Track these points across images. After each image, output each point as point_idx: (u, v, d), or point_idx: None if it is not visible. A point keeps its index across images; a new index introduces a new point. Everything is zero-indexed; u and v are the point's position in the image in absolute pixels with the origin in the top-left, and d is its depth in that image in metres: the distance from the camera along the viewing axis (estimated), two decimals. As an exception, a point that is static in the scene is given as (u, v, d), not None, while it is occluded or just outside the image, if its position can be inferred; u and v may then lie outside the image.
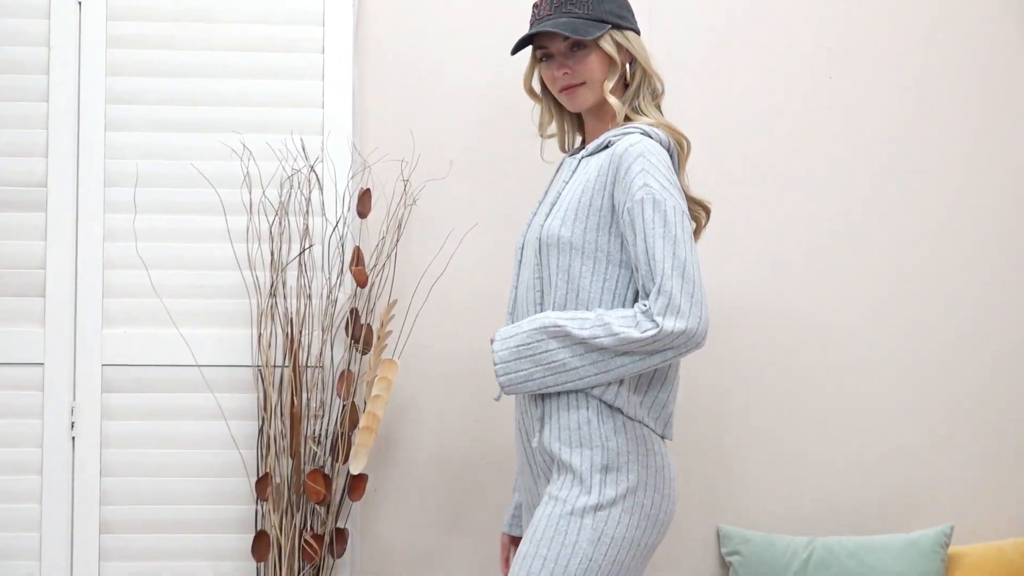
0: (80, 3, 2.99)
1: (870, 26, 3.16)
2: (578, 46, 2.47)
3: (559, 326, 2.31)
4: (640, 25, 2.56)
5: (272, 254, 2.97)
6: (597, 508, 2.29)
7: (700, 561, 3.09)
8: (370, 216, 3.01)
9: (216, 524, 2.99)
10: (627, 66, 2.52)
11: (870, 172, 3.15)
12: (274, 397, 2.93)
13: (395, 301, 2.96)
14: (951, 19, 3.17)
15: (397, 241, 3.00)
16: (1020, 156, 3.16)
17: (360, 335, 2.95)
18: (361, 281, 2.94)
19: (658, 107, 2.53)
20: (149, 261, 2.99)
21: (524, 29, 2.65)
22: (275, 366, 2.95)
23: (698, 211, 2.53)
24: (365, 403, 2.91)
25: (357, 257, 2.96)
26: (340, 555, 2.93)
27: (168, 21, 3.03)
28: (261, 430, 2.94)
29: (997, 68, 3.17)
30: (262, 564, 2.92)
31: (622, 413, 2.35)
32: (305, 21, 3.04)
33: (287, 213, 2.99)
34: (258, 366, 2.96)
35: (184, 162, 3.01)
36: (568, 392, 2.35)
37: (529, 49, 2.55)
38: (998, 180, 3.16)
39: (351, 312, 2.96)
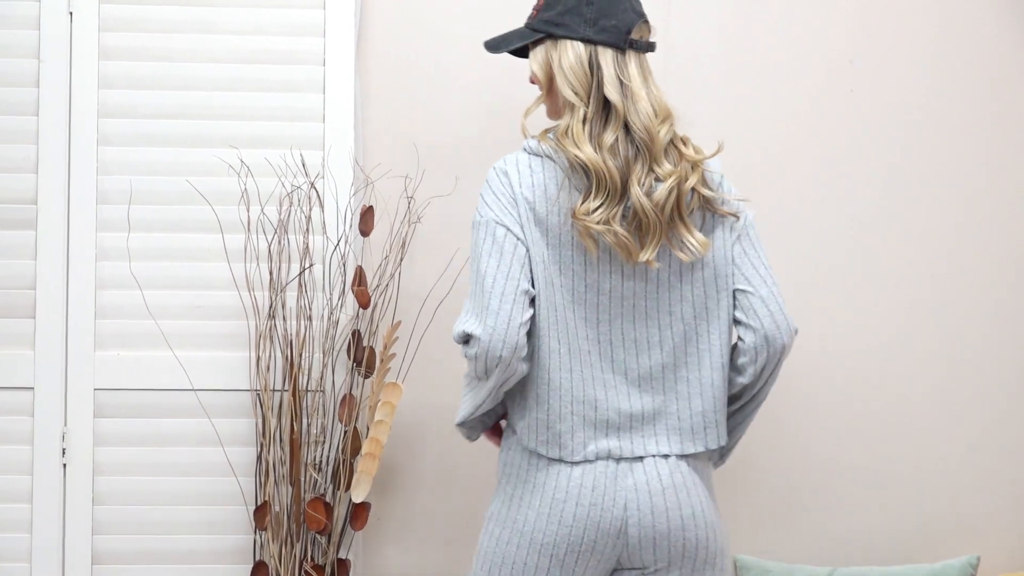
0: (71, 14, 2.97)
1: (886, 36, 3.16)
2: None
3: None
4: (656, 42, 2.50)
5: (271, 274, 2.95)
6: (486, 520, 2.46)
7: None
8: (373, 234, 2.99)
9: (213, 554, 2.98)
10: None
11: (892, 182, 3.15)
12: (273, 422, 2.91)
13: (399, 323, 2.95)
14: (967, 27, 3.16)
15: (401, 260, 2.99)
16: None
17: (362, 358, 2.93)
18: (363, 302, 2.92)
19: (592, 127, 2.37)
20: (143, 281, 2.97)
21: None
22: (274, 390, 2.94)
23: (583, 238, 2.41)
24: (368, 429, 2.90)
25: (359, 277, 2.93)
26: None
27: (162, 32, 3.01)
28: (259, 457, 2.93)
29: (1012, 77, 3.18)
30: None
31: (514, 432, 2.45)
32: (305, 32, 3.02)
33: (286, 231, 2.98)
34: (256, 390, 2.95)
35: (180, 178, 2.99)
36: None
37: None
38: (1020, 189, 3.17)
39: (353, 334, 2.94)
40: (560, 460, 2.37)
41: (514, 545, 2.37)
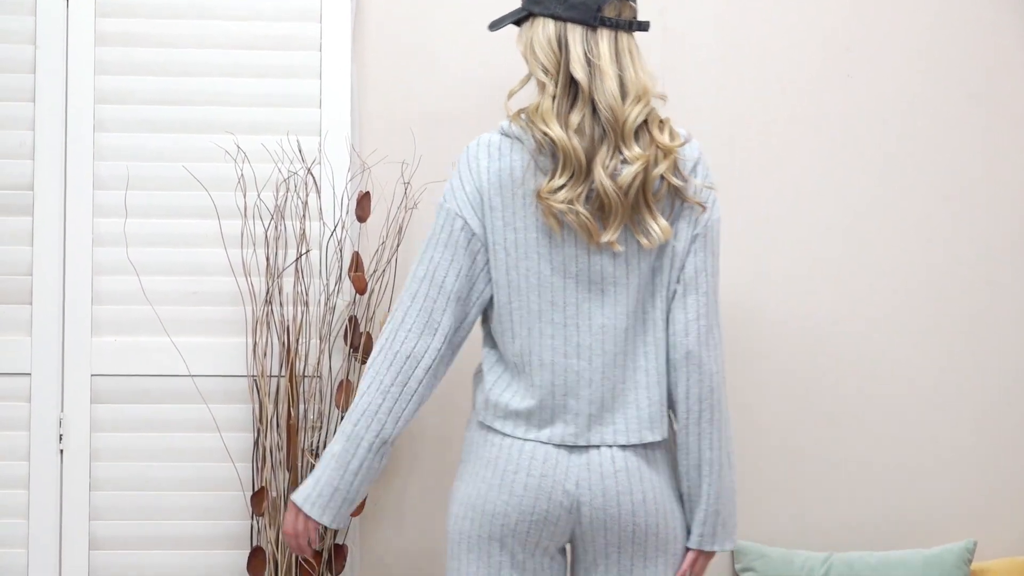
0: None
1: (883, 23, 3.16)
2: None
3: None
4: (652, 23, 2.49)
5: (268, 260, 2.95)
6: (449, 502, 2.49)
7: None
8: (369, 220, 2.99)
9: (210, 540, 2.98)
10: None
11: (888, 170, 3.15)
12: (270, 408, 2.91)
13: None
14: (964, 14, 3.17)
15: (398, 246, 2.98)
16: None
17: (359, 344, 2.93)
18: (360, 288, 2.92)
19: (560, 106, 2.36)
20: (140, 267, 2.97)
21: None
22: (271, 376, 2.94)
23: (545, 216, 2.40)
24: None
25: (356, 263, 2.93)
26: (339, 572, 2.92)
27: (159, 18, 3.00)
28: (256, 442, 2.93)
29: (1009, 64, 3.18)
30: None
31: (473, 408, 2.49)
32: (302, 17, 3.02)
33: (283, 217, 2.97)
34: (253, 376, 2.95)
35: (176, 164, 2.99)
36: None
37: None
38: (1016, 175, 3.17)
39: (350, 320, 2.94)
40: (512, 436, 2.39)
41: (468, 520, 2.40)
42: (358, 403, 2.40)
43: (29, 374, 2.95)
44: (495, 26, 2.52)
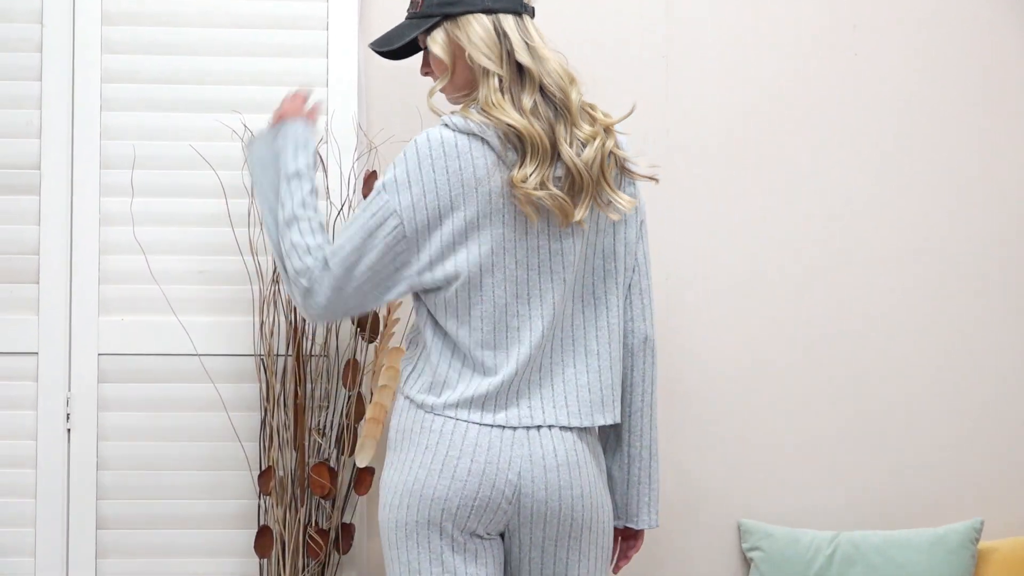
0: (75, -23, 2.98)
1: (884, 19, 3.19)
2: (424, 46, 2.50)
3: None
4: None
5: None
6: (380, 493, 2.47)
7: (720, 556, 3.11)
8: None
9: (217, 519, 2.99)
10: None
11: (892, 154, 3.18)
12: (277, 387, 2.92)
13: None
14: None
15: None
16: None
17: (366, 323, 2.93)
18: None
19: (512, 94, 2.39)
20: (147, 246, 2.98)
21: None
22: (278, 355, 2.94)
23: (522, 204, 2.42)
24: (371, 393, 2.91)
25: None
26: (346, 551, 2.94)
27: None
28: (264, 422, 2.94)
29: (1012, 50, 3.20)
30: (265, 561, 2.92)
31: (404, 396, 2.47)
32: None
33: None
34: (260, 355, 2.95)
35: (183, 143, 2.99)
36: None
37: None
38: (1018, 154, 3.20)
39: None
40: (456, 419, 2.39)
41: (404, 507, 2.38)
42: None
43: (36, 353, 2.95)
44: (389, 46, 2.53)
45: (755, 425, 3.12)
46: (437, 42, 2.44)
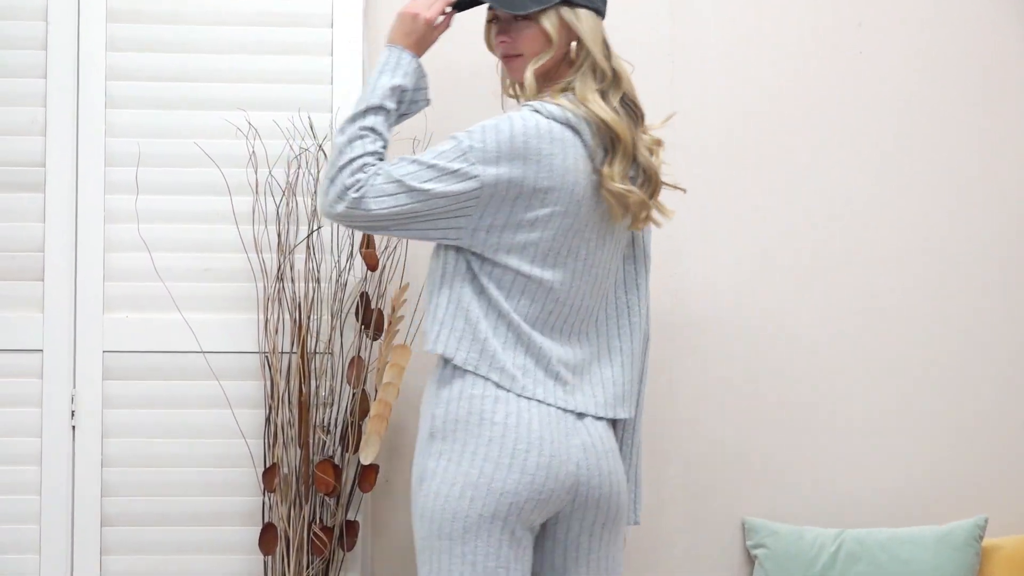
0: (79, -25, 3.01)
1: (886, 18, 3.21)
2: (521, 17, 2.50)
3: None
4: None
5: (279, 236, 2.98)
6: (421, 480, 2.44)
7: (724, 554, 3.13)
8: None
9: (222, 516, 3.01)
10: (572, 46, 2.51)
11: (896, 148, 3.20)
12: (281, 385, 2.94)
13: (407, 285, 2.97)
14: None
15: None
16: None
17: (371, 320, 2.96)
18: (372, 264, 2.95)
19: (606, 94, 2.48)
20: (151, 243, 3.00)
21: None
22: (282, 352, 2.97)
23: (611, 200, 2.49)
24: (376, 391, 2.92)
25: (367, 239, 2.96)
26: (350, 548, 2.96)
27: None
28: (268, 419, 2.95)
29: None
30: (269, 558, 2.94)
31: (460, 378, 2.44)
32: None
33: (295, 194, 3.00)
34: (265, 353, 2.97)
35: (188, 141, 3.02)
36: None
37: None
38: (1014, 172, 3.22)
39: (361, 296, 2.97)
40: (515, 393, 2.41)
41: (467, 499, 2.37)
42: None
43: (41, 351, 2.97)
44: (505, 7, 2.51)
45: (758, 423, 3.14)
46: (551, 22, 2.47)
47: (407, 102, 2.53)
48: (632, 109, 2.52)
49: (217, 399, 2.98)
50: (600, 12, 2.51)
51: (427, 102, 2.59)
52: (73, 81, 2.99)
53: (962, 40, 3.19)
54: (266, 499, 2.95)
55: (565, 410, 2.44)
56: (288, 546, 2.90)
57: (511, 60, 2.53)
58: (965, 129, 3.19)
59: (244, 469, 2.98)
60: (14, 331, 2.98)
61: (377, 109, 2.46)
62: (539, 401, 2.42)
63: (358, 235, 2.98)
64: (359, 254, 2.97)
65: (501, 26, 2.53)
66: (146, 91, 3.02)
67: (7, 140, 2.99)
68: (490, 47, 2.63)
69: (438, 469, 2.40)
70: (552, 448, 2.40)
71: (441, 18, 2.56)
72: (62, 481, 2.96)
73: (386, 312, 2.97)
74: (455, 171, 2.38)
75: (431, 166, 2.38)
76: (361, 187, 2.38)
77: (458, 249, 2.46)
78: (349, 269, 2.99)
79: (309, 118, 3.00)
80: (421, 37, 2.54)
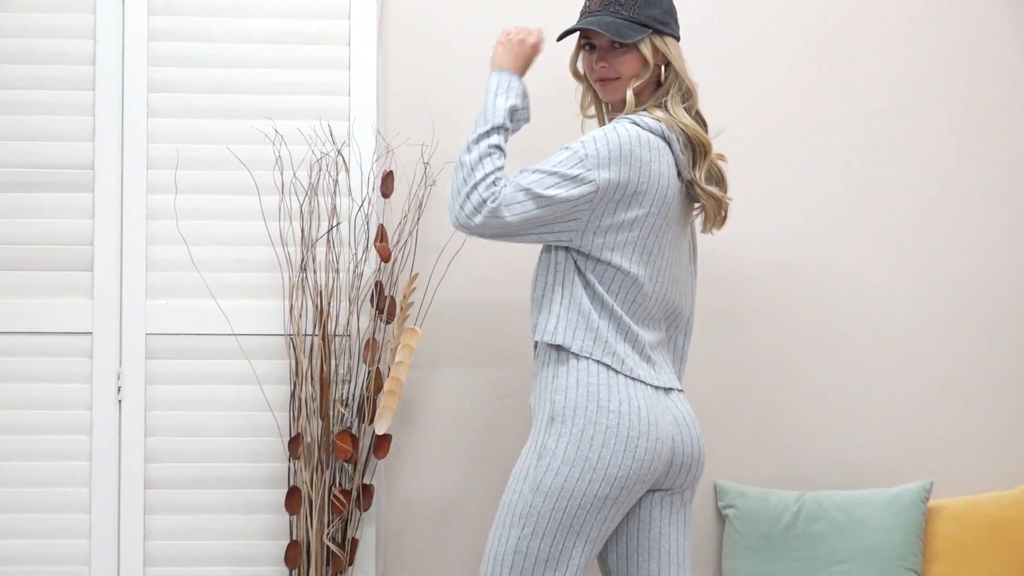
0: (124, -1, 3.06)
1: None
2: (619, 44, 2.59)
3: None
4: None
5: (302, 231, 3.04)
6: (540, 457, 2.47)
7: (699, 514, 3.13)
8: (393, 196, 3.07)
9: (252, 480, 3.06)
10: (662, 68, 2.64)
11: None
12: (305, 363, 2.99)
13: (416, 275, 3.04)
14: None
15: (418, 219, 3.07)
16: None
17: (384, 306, 3.01)
18: (385, 256, 3.01)
19: (688, 109, 2.61)
20: (189, 238, 3.07)
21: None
22: (306, 335, 3.01)
23: (709, 202, 2.63)
24: (389, 369, 2.97)
25: (381, 234, 3.02)
26: (366, 509, 3.01)
27: (205, 16, 3.10)
28: (293, 394, 3.01)
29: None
30: (294, 517, 3.00)
31: (575, 356, 2.50)
32: (332, 15, 3.11)
33: (316, 193, 3.06)
34: (290, 335, 3.03)
35: (221, 146, 3.08)
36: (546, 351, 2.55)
37: (576, 35, 2.69)
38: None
39: (376, 285, 3.03)
40: (625, 375, 2.49)
41: (586, 480, 2.44)
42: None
43: (91, 333, 3.04)
44: (613, 35, 2.57)
45: (731, 395, 3.16)
46: (647, 48, 2.58)
47: (516, 120, 2.59)
48: (702, 121, 2.64)
49: (247, 376, 3.04)
50: (679, 38, 2.64)
51: (528, 120, 2.63)
52: (119, 93, 3.05)
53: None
54: (291, 465, 3.00)
55: (657, 387, 2.54)
56: (311, 507, 2.94)
57: (609, 83, 2.61)
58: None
59: (271, 439, 3.04)
60: (66, 316, 3.03)
61: (499, 129, 2.52)
62: (642, 382, 2.50)
63: (373, 231, 3.02)
64: (374, 247, 3.02)
65: (600, 53, 2.61)
66: (184, 102, 3.07)
67: (60, 146, 3.05)
68: (576, 71, 2.72)
69: (557, 450, 2.45)
70: (657, 432, 2.48)
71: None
72: (110, 449, 3.02)
73: (398, 299, 3.00)
74: (575, 176, 2.45)
75: (552, 173, 2.45)
76: (496, 199, 2.43)
77: (566, 249, 2.53)
78: (365, 261, 3.03)
79: (329, 126, 3.06)
80: (526, 61, 2.61)
